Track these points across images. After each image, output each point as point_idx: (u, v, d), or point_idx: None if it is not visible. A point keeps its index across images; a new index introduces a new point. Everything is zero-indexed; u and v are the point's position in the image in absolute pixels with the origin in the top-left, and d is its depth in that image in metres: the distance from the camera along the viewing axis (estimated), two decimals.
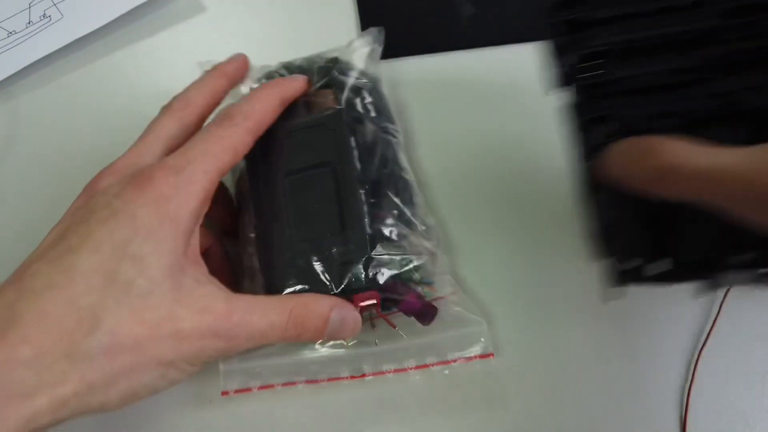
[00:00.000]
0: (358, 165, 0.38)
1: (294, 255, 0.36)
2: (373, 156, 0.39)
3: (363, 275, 0.36)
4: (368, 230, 0.36)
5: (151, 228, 0.31)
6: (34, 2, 0.51)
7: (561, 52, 0.36)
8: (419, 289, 0.37)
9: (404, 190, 0.40)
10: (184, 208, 0.33)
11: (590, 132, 0.34)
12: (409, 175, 0.41)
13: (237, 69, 0.42)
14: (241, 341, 0.33)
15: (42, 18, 0.51)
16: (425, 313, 0.38)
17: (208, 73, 0.40)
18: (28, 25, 0.51)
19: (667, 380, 0.39)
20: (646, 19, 0.35)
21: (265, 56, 0.50)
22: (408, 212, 0.39)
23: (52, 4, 0.51)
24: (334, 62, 0.42)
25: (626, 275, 0.31)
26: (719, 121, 0.32)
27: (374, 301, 0.35)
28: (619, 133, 0.32)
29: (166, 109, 0.38)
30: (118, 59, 0.51)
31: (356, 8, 0.52)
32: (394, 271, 0.36)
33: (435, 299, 0.38)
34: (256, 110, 0.37)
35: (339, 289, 0.35)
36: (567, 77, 0.36)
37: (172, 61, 0.51)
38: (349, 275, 0.36)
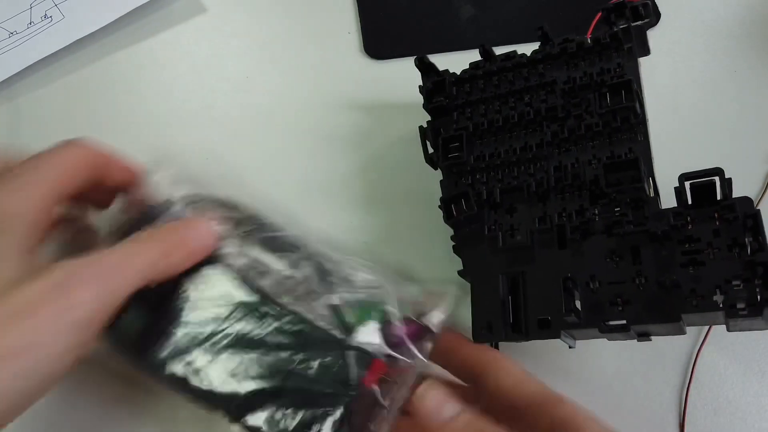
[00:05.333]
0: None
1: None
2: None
3: (355, 363, 0.33)
4: (335, 336, 0.34)
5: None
6: (36, 3, 0.51)
7: (425, 138, 0.41)
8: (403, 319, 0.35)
9: (328, 273, 0.36)
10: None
11: (454, 206, 0.38)
12: (324, 254, 0.37)
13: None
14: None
15: (43, 18, 0.51)
16: (425, 332, 0.35)
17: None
18: (29, 25, 0.51)
19: (666, 379, 0.39)
20: (499, 101, 0.40)
21: (264, 56, 0.51)
22: (344, 283, 0.36)
23: (53, 4, 0.51)
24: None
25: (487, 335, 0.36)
26: (563, 191, 0.36)
27: (384, 372, 0.33)
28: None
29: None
30: (119, 60, 0.51)
31: (356, 9, 0.52)
32: (376, 325, 0.34)
33: (421, 318, 0.36)
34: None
35: (352, 392, 0.33)
36: (432, 162, 0.41)
37: (172, 61, 0.51)
38: (348, 373, 0.33)
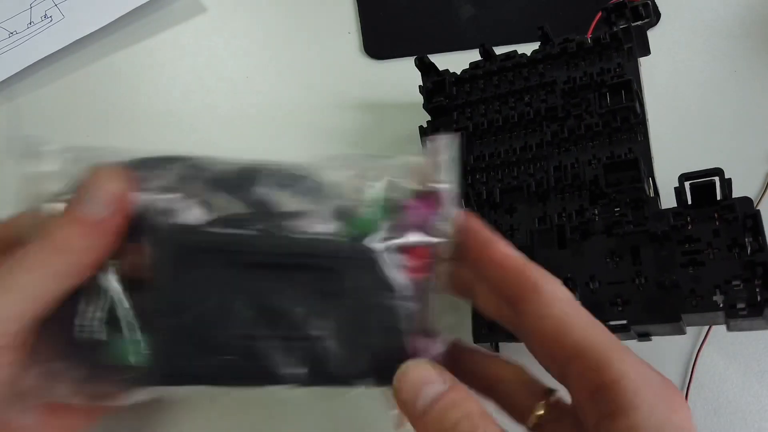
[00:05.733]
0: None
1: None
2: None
3: (391, 264, 0.30)
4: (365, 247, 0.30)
5: None
6: (36, 3, 0.52)
7: (425, 138, 0.41)
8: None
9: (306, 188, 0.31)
10: None
11: None
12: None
13: None
14: None
15: (43, 18, 0.51)
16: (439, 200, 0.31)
17: None
18: (29, 25, 0.51)
19: None
20: (499, 101, 0.40)
21: (264, 56, 0.51)
22: (329, 191, 0.31)
23: (53, 4, 0.51)
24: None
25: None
26: (563, 191, 0.36)
27: (420, 258, 0.30)
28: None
29: None
30: (119, 59, 0.51)
31: (356, 8, 0.52)
32: (389, 219, 0.30)
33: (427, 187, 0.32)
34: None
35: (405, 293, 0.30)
36: None
37: (172, 61, 0.51)
38: (389, 278, 0.30)
